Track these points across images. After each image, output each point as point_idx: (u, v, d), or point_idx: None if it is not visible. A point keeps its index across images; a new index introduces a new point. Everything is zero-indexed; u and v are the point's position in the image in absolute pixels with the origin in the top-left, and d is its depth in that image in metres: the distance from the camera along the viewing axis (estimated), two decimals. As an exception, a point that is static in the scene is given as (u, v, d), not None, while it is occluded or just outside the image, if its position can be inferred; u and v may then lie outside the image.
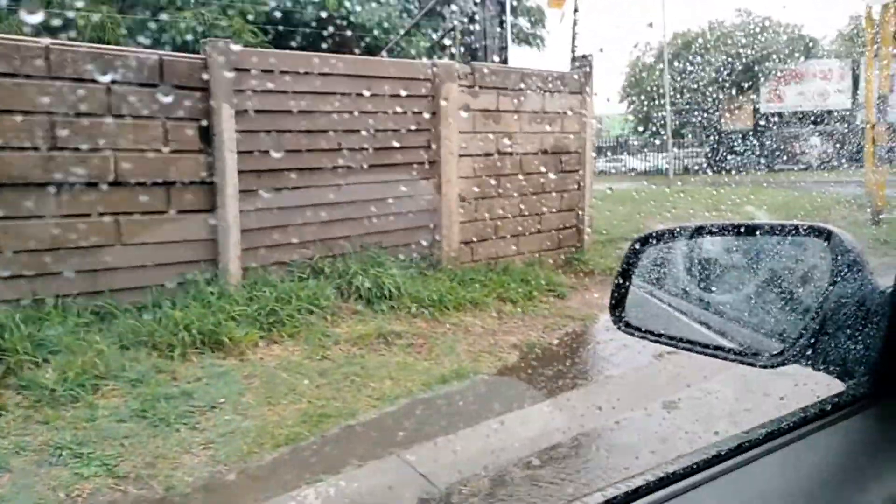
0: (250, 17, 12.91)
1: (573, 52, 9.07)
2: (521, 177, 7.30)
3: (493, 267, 6.79)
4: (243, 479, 3.16)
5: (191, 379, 4.08)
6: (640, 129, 28.96)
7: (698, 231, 1.18)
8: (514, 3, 18.79)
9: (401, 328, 5.08)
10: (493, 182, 7.08)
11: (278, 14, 13.19)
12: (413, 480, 3.08)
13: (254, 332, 4.65)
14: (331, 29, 13.29)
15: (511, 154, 7.20)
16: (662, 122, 25.48)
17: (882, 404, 0.84)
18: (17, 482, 3.01)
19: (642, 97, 27.77)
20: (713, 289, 1.24)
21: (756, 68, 24.48)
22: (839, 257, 0.88)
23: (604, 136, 32.85)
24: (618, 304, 1.21)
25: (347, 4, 13.49)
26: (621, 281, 1.21)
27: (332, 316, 5.08)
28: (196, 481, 3.11)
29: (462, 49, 13.18)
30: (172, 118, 5.03)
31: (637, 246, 1.21)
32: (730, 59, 24.29)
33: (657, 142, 26.72)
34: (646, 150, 27.68)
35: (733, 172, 21.86)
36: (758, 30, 25.78)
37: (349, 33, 13.17)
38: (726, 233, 1.16)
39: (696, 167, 25.10)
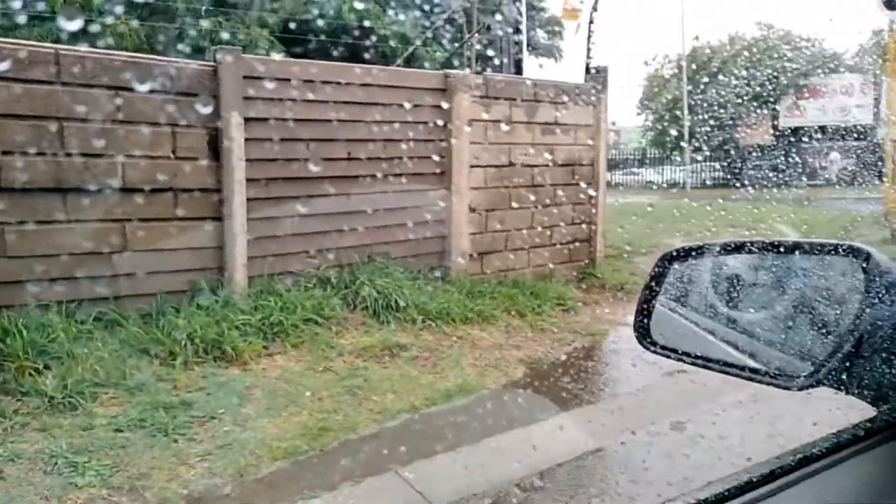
0: (267, 26, 13.00)
1: (588, 63, 9.00)
2: (533, 189, 7.23)
3: (503, 279, 6.72)
4: (238, 492, 3.10)
5: (192, 388, 4.04)
6: (659, 141, 28.75)
7: (727, 248, 1.15)
8: (532, 15, 18.80)
9: (406, 340, 5.02)
10: (504, 194, 7.01)
11: (295, 23, 13.27)
12: (410, 499, 3.01)
13: (257, 341, 4.61)
14: (347, 38, 13.35)
15: (523, 166, 7.13)
16: (681, 135, 25.31)
17: None
18: (10, 491, 2.97)
19: (660, 110, 27.58)
20: (742, 308, 1.20)
21: (776, 82, 24.24)
22: (876, 279, 0.85)
23: (622, 148, 32.71)
24: (643, 322, 1.17)
25: (364, 14, 13.56)
26: (647, 297, 1.17)
27: (337, 327, 5.04)
28: (191, 494, 3.06)
29: (477, 60, 13.17)
30: (181, 125, 5.03)
31: (664, 262, 1.18)
32: (750, 73, 24.10)
33: (675, 155, 26.52)
34: (664, 163, 27.46)
35: (752, 187, 21.64)
36: (778, 43, 25.57)
37: (365, 43, 13.22)
38: (757, 250, 1.13)
39: (715, 181, 24.86)
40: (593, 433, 3.81)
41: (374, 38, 13.08)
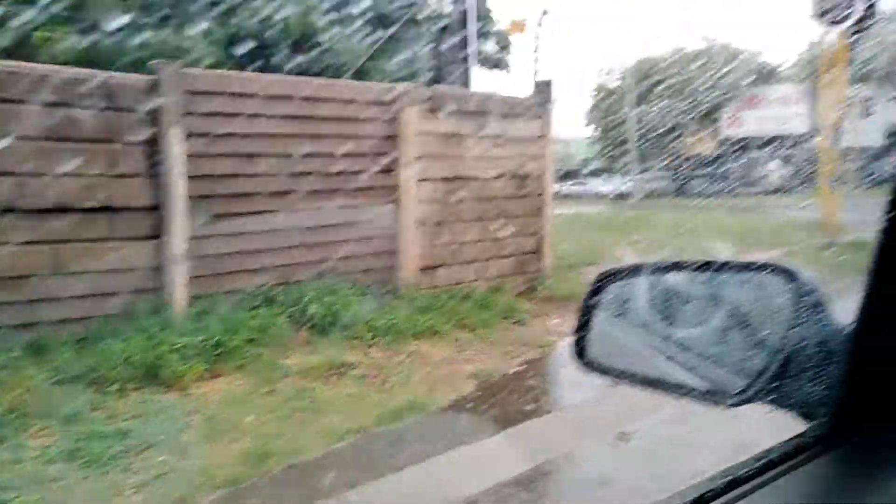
0: (212, 39, 12.78)
1: (535, 77, 9.11)
2: (482, 201, 7.24)
3: (453, 293, 6.68)
4: (176, 525, 2.98)
5: (128, 416, 3.88)
6: (606, 153, 29.32)
7: (662, 267, 1.17)
8: (481, 28, 18.97)
9: (355, 358, 4.94)
10: (453, 207, 7.00)
11: (242, 36, 13.08)
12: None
13: (198, 364, 4.46)
14: (296, 53, 13.21)
15: (472, 178, 7.14)
16: (627, 146, 25.88)
17: (841, 448, 0.83)
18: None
19: (607, 122, 28.16)
20: (677, 326, 1.22)
21: (717, 94, 25.01)
22: (801, 297, 0.88)
23: (570, 159, 33.21)
24: (580, 341, 1.16)
25: (313, 28, 13.46)
26: (584, 317, 1.16)
27: (282, 347, 4.92)
28: (125, 529, 2.93)
29: (426, 73, 13.21)
30: (118, 141, 4.88)
31: (600, 282, 1.18)
32: (692, 85, 24.81)
33: (622, 166, 27.08)
34: (611, 173, 28.01)
35: (696, 196, 22.24)
36: (719, 56, 26.39)
37: (315, 57, 13.11)
38: (690, 270, 1.14)
39: (661, 191, 25.45)
40: (541, 446, 3.80)
41: (323, 52, 12.99)
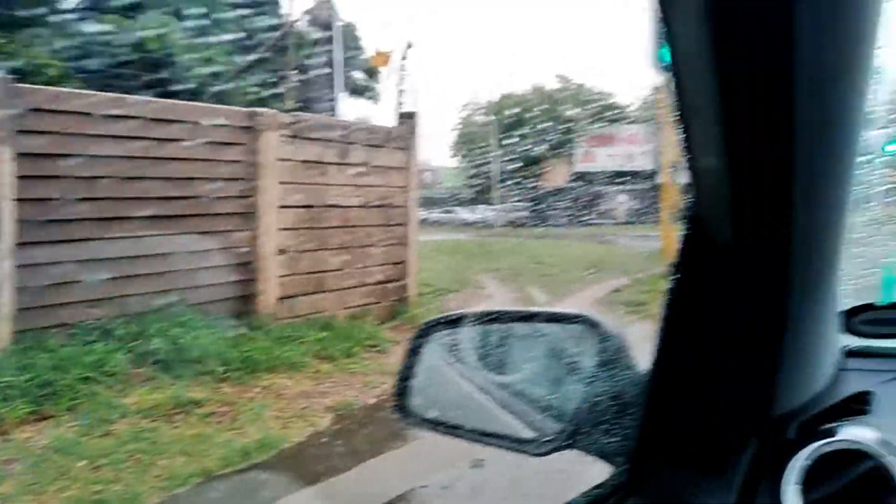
0: (59, 54, 11.84)
1: (399, 107, 9.24)
2: (345, 230, 7.18)
3: (313, 323, 6.54)
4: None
5: (-71, 470, 3.42)
6: (471, 182, 30.22)
7: (483, 317, 1.18)
8: (350, 56, 19.00)
9: (202, 395, 4.67)
10: (316, 235, 6.88)
11: (93, 52, 12.22)
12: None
13: (22, 406, 4.03)
14: (153, 71, 12.53)
15: (335, 206, 7.07)
16: (490, 176, 26.82)
17: (638, 496, 0.84)
18: None
19: (472, 153, 29.08)
20: (496, 376, 1.24)
21: (572, 130, 26.61)
22: (604, 344, 0.91)
23: (438, 187, 33.88)
24: (402, 393, 1.15)
25: (173, 47, 12.83)
26: (406, 368, 1.16)
27: (121, 384, 4.56)
28: None
29: (292, 98, 13.00)
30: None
31: (423, 332, 1.18)
32: (550, 121, 26.23)
33: (486, 195, 28.01)
34: (476, 202, 28.88)
35: (553, 226, 23.38)
36: (575, 95, 28.13)
37: (173, 76, 12.49)
38: (508, 319, 1.17)
39: (521, 220, 26.55)
40: (398, 478, 3.77)
41: (184, 73, 12.42)
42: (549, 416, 1.01)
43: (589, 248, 14.81)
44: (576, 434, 0.88)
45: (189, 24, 13.51)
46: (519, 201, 27.97)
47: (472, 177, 30.10)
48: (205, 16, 13.46)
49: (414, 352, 1.17)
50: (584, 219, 24.98)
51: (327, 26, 13.31)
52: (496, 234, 23.03)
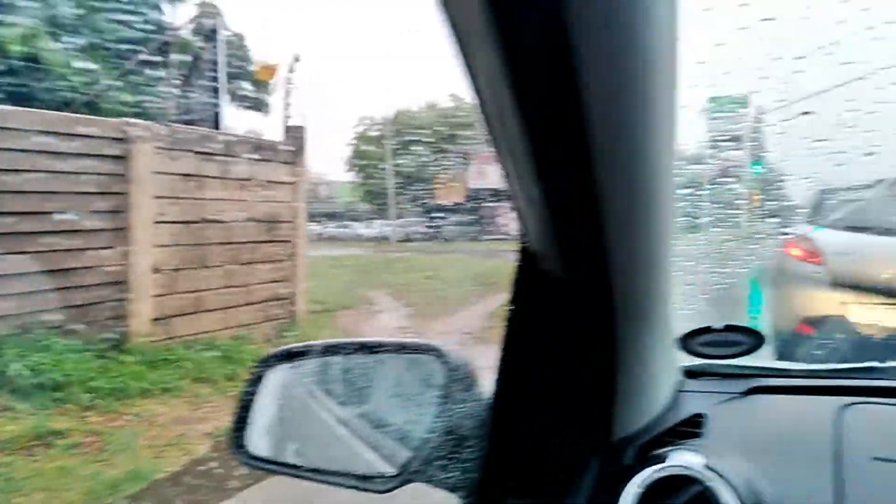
0: None
1: (286, 121, 9.06)
2: (228, 246, 6.90)
3: (193, 344, 6.23)
4: None
5: None
6: (368, 197, 30.08)
7: (328, 348, 1.14)
8: (239, 66, 18.44)
9: (66, 425, 4.32)
10: (196, 252, 6.58)
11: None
12: None
13: None
14: (15, 77, 11.59)
15: (216, 222, 6.79)
16: (386, 191, 26.82)
17: None
18: None
19: (368, 168, 28.98)
20: (341, 410, 1.18)
21: (465, 148, 27.11)
22: (451, 374, 0.89)
23: (334, 202, 33.49)
24: (239, 430, 1.07)
25: (38, 51, 11.93)
26: (244, 404, 1.08)
27: (-30, 417, 4.15)
28: None
29: (173, 110, 12.44)
30: None
31: (263, 364, 1.11)
32: (444, 138, 26.59)
33: (382, 210, 27.96)
34: (372, 217, 28.78)
35: (446, 241, 23.66)
36: (467, 114, 28.68)
37: (39, 83, 11.62)
38: (353, 350, 1.12)
39: (416, 235, 26.69)
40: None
41: (50, 79, 11.58)
42: (396, 449, 0.99)
43: (483, 263, 15.07)
44: (422, 467, 0.87)
45: (60, 27, 12.64)
46: (414, 216, 28.13)
47: (368, 192, 29.98)
48: (79, 18, 12.66)
49: (253, 386, 1.10)
50: (477, 234, 25.45)
51: (213, 36, 12.87)
52: (392, 249, 23.00)
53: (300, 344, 1.14)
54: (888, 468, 0.82)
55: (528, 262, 0.77)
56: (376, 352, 1.09)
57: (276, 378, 1.13)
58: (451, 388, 0.89)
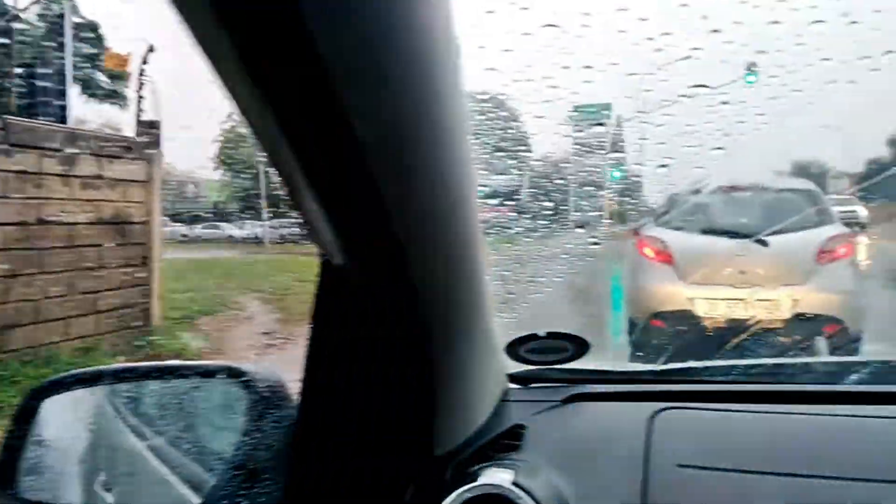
0: None
1: (139, 115, 8.50)
2: (70, 250, 6.34)
3: (30, 359, 5.67)
4: None
5: None
6: (238, 196, 28.95)
7: (116, 374, 1.07)
8: (91, 57, 17.18)
9: None
10: (32, 257, 5.99)
11: None
12: None
13: None
14: None
15: (57, 224, 6.22)
16: (258, 191, 25.93)
17: None
18: None
19: (238, 166, 27.89)
20: (134, 441, 1.09)
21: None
22: (255, 397, 0.84)
23: (201, 201, 32.00)
24: (8, 469, 0.95)
25: None
26: (16, 439, 0.96)
27: None
28: None
29: (13, 101, 11.37)
30: None
31: (37, 397, 1.00)
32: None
33: (256, 211, 27.02)
34: (243, 218, 27.71)
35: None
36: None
37: None
38: (143, 376, 1.05)
39: (292, 236, 26.01)
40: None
41: None
42: (192, 483, 0.93)
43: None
44: (226, 495, 0.80)
45: None
46: (290, 218, 27.41)
47: (238, 191, 28.86)
48: None
49: (25, 419, 0.97)
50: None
51: (60, 22, 11.89)
52: (265, 250, 22.27)
53: (89, 369, 1.05)
54: (691, 474, 0.83)
55: (331, 277, 0.73)
56: (170, 376, 1.01)
57: (59, 408, 1.02)
58: (255, 410, 0.83)
